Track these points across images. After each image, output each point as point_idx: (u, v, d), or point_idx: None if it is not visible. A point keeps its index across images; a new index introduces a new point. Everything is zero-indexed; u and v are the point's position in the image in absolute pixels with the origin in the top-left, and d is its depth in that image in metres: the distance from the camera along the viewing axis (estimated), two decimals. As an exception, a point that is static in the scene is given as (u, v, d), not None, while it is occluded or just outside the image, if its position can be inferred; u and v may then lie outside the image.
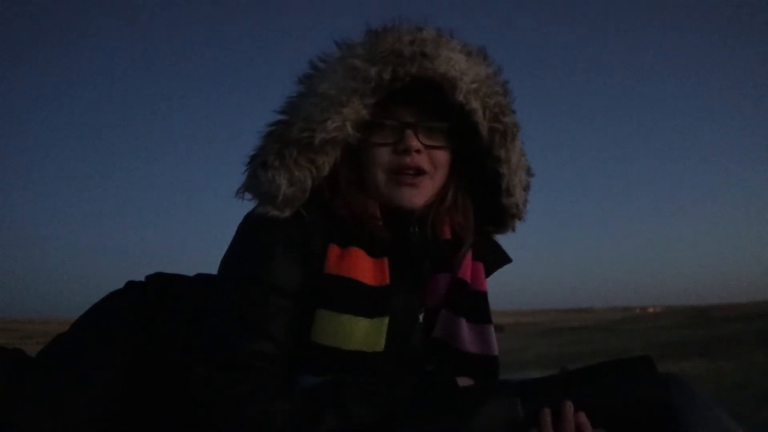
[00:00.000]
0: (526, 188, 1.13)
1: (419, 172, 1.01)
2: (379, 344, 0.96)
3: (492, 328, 1.09)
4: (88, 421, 0.96)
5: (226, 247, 1.03)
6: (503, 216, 1.13)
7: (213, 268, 1.13)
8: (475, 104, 1.00)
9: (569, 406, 0.86)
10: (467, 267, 1.09)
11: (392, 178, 1.01)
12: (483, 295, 1.11)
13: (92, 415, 0.97)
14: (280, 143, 0.99)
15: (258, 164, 1.00)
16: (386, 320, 0.97)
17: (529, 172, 1.13)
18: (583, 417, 0.86)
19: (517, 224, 1.16)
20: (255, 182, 1.00)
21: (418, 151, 1.00)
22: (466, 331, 1.06)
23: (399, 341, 1.01)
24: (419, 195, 1.02)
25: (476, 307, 1.09)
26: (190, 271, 1.18)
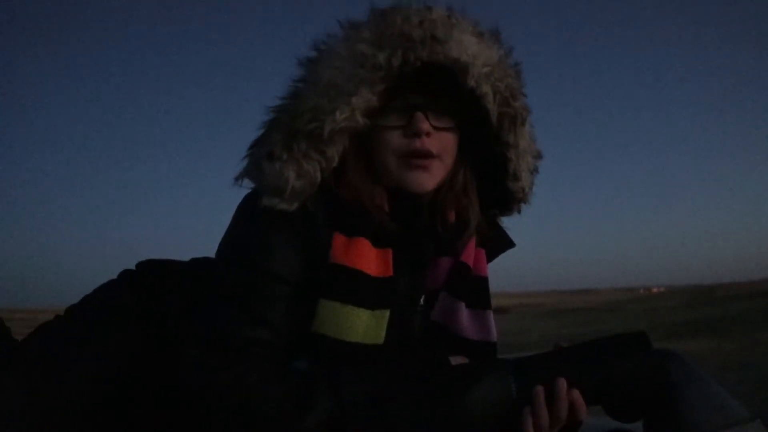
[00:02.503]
0: (534, 172, 1.11)
1: (429, 155, 0.99)
2: (380, 337, 0.94)
3: (491, 314, 1.07)
4: (73, 410, 0.95)
5: (217, 235, 1.01)
6: (509, 199, 1.12)
7: (205, 253, 1.12)
8: (486, 88, 0.98)
9: (562, 383, 0.85)
10: (470, 252, 1.08)
11: (403, 162, 0.99)
12: (484, 281, 1.09)
13: (78, 404, 0.95)
14: (286, 134, 0.95)
15: (263, 155, 0.97)
16: (387, 313, 0.96)
17: (537, 156, 1.11)
18: (576, 394, 0.85)
19: (522, 207, 1.14)
20: (258, 173, 0.97)
21: (428, 134, 0.98)
22: (465, 315, 1.05)
23: (399, 332, 1.00)
24: (430, 178, 1.00)
25: (476, 292, 1.07)
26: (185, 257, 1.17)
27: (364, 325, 0.93)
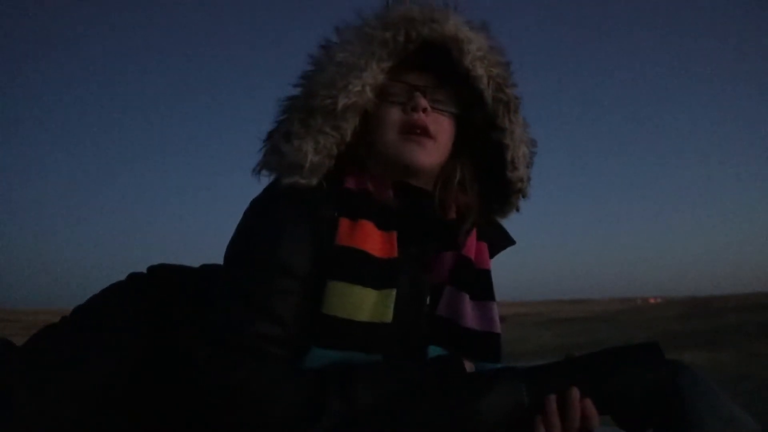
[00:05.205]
0: (529, 165, 1.15)
1: (425, 132, 1.05)
2: (387, 316, 0.96)
3: (495, 306, 1.10)
4: (77, 414, 0.95)
5: (226, 240, 1.02)
6: (507, 193, 1.15)
7: (216, 260, 1.13)
8: (481, 71, 1.06)
9: (575, 392, 0.86)
10: (471, 245, 1.11)
11: (401, 137, 1.05)
12: (486, 273, 1.12)
13: (82, 408, 0.95)
14: (303, 113, 1.02)
15: (280, 137, 1.03)
16: (393, 292, 0.97)
17: (531, 147, 1.16)
18: (589, 403, 0.86)
19: (521, 204, 1.18)
20: (276, 156, 1.03)
21: (425, 110, 1.04)
22: (468, 307, 1.07)
23: (408, 315, 1.01)
24: (425, 154, 1.06)
25: (480, 284, 1.10)
26: (195, 263, 1.17)
27: (371, 304, 0.95)
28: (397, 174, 1.07)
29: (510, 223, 1.21)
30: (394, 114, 1.06)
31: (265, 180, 1.06)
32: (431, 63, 1.06)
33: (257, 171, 1.06)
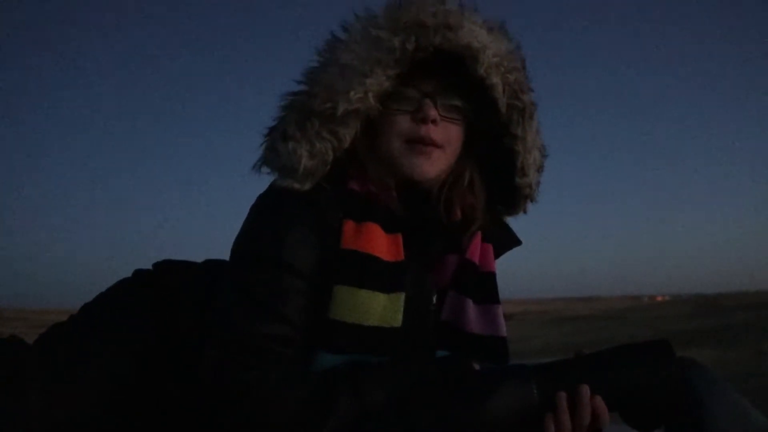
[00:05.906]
0: (540, 169, 1.12)
1: (433, 144, 1.01)
2: (397, 320, 0.95)
3: (499, 309, 1.08)
4: (87, 411, 0.95)
5: (230, 236, 1.02)
6: (515, 197, 1.12)
7: (220, 255, 1.13)
8: (496, 79, 1.01)
9: (585, 390, 0.85)
10: (476, 248, 1.09)
11: (407, 147, 1.02)
12: (491, 276, 1.10)
13: (92, 404, 0.96)
14: (301, 114, 0.99)
15: (278, 136, 1.00)
16: (402, 295, 0.96)
17: (543, 152, 1.12)
18: (599, 400, 0.86)
19: (529, 206, 1.16)
20: (274, 155, 1.00)
21: (434, 122, 1.00)
22: (472, 311, 1.05)
23: (415, 319, 1.00)
24: (431, 165, 1.02)
25: (483, 287, 1.08)
26: (198, 259, 1.18)
27: (381, 308, 0.94)
28: (400, 179, 1.04)
29: (515, 220, 1.19)
30: (402, 123, 1.01)
31: (266, 176, 1.04)
32: (443, 67, 1.00)
33: (258, 167, 1.04)
